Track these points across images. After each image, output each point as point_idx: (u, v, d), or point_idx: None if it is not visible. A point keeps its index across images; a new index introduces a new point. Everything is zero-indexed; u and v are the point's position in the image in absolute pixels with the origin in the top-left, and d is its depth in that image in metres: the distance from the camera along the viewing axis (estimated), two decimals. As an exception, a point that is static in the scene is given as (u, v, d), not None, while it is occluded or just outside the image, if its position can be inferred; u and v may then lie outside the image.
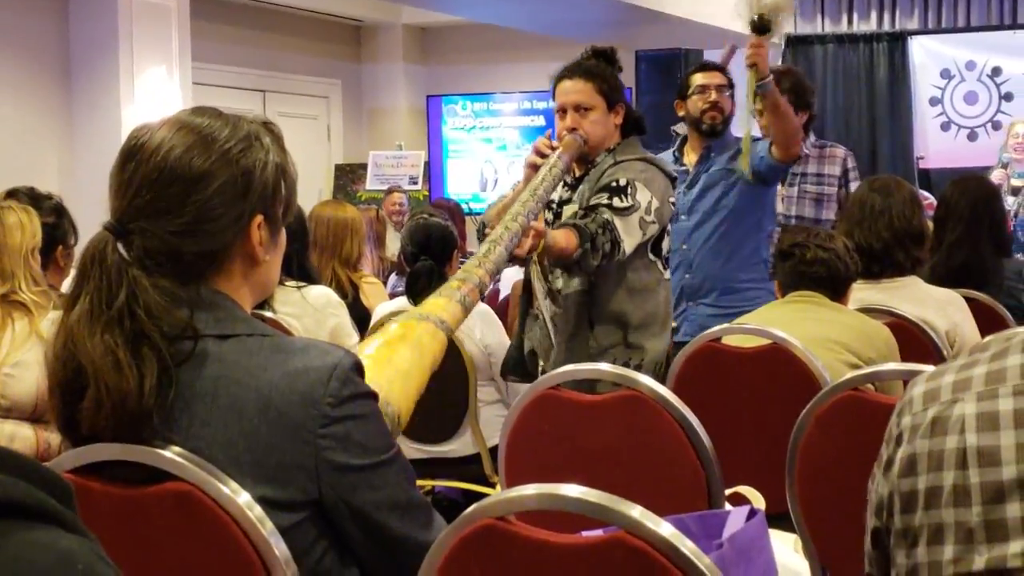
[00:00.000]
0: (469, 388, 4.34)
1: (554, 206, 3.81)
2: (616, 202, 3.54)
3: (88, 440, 1.68)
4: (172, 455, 1.63)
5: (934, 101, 10.87)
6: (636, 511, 1.44)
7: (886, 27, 11.12)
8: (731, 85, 4.81)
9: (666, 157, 4.86)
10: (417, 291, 4.35)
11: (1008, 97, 10.55)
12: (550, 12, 8.97)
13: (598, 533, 1.53)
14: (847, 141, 8.62)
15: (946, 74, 10.81)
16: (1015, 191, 7.66)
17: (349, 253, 5.09)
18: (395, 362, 1.98)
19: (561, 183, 3.76)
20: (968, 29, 10.85)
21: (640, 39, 9.79)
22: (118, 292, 1.65)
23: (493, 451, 4.25)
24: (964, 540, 1.13)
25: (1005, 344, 1.20)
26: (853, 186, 5.29)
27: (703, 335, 3.41)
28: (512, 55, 11.59)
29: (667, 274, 3.85)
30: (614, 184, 3.59)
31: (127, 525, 1.67)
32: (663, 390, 2.51)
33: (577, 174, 3.81)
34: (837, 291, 3.44)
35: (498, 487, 3.64)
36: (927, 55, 10.88)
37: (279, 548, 1.61)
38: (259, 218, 1.74)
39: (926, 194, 7.21)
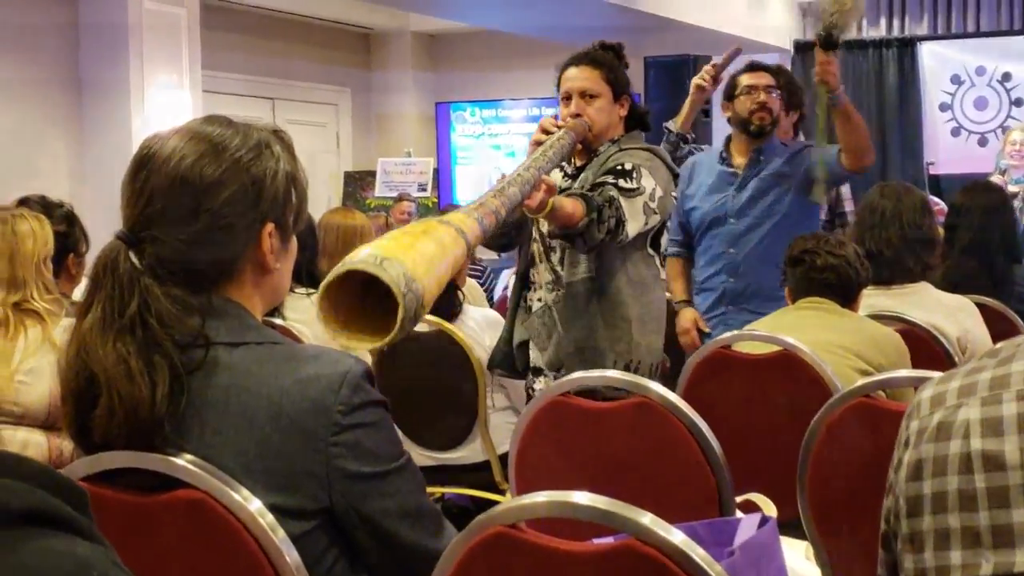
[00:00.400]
0: (478, 395, 4.34)
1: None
2: (622, 183, 3.50)
3: (100, 448, 1.69)
4: (184, 463, 1.63)
5: (944, 107, 10.86)
6: (647, 518, 1.44)
7: (895, 33, 11.12)
8: (778, 86, 4.80)
9: (711, 157, 4.84)
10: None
11: (1018, 103, 10.53)
12: (559, 19, 8.98)
13: (609, 541, 1.53)
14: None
15: (956, 80, 10.80)
16: (1012, 196, 7.68)
17: (359, 260, 5.09)
18: (418, 248, 1.95)
19: (561, 173, 3.73)
20: (978, 34, 10.84)
21: (649, 46, 9.80)
22: (130, 301, 1.66)
23: (503, 458, 4.25)
24: (971, 545, 1.13)
25: (1013, 350, 1.20)
26: (844, 188, 5.29)
27: (713, 341, 3.41)
28: (520, 62, 11.61)
29: (663, 272, 3.82)
30: (619, 167, 3.56)
31: (140, 533, 1.67)
32: (673, 397, 2.51)
33: (579, 163, 3.76)
34: (847, 297, 3.44)
35: (508, 494, 3.64)
36: (937, 61, 10.87)
37: (290, 556, 1.61)
38: (270, 226, 1.74)
39: (936, 200, 7.19)
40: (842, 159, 4.47)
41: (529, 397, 3.76)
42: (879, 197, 3.97)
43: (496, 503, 1.62)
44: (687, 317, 4.78)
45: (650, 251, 3.71)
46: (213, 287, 1.72)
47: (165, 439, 1.64)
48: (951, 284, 4.15)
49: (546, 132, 3.52)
